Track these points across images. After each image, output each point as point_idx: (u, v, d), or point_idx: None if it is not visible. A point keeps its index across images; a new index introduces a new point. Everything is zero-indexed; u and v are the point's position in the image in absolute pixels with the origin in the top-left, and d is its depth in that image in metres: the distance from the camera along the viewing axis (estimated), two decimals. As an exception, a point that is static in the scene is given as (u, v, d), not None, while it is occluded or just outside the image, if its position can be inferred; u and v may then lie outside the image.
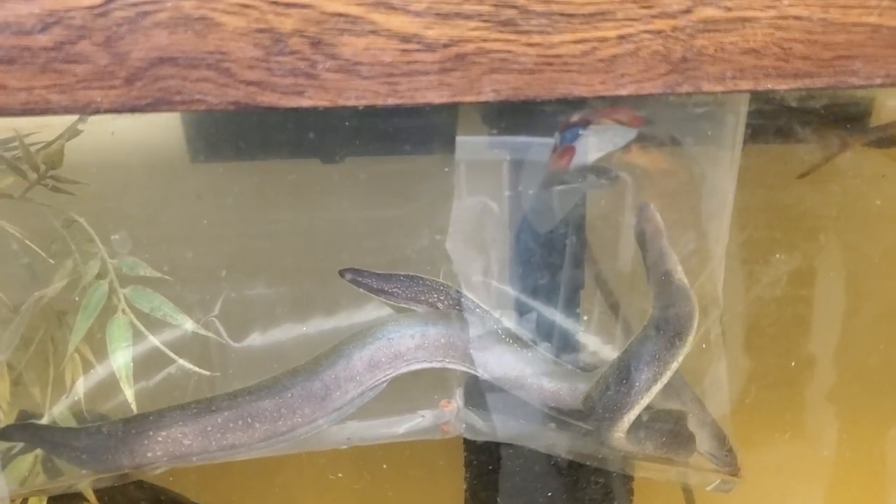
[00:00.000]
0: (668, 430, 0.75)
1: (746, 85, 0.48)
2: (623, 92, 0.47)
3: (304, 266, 0.80)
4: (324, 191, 0.80)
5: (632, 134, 0.76)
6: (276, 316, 0.77)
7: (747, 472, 0.76)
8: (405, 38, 0.44)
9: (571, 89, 0.46)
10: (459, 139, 0.77)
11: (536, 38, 0.45)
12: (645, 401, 0.69)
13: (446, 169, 0.78)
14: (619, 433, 0.70)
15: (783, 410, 0.85)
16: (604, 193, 0.80)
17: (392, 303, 0.77)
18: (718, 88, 0.48)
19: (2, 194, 0.72)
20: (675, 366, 0.69)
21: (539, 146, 0.79)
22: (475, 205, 0.79)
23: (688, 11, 0.46)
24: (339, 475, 0.90)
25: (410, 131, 0.79)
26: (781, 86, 0.48)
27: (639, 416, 0.70)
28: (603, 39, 0.46)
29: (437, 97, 0.45)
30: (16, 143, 0.70)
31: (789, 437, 0.84)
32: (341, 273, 0.76)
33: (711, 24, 0.46)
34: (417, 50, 0.44)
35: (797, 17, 0.47)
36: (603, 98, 0.46)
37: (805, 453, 0.90)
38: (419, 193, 0.80)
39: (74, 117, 0.70)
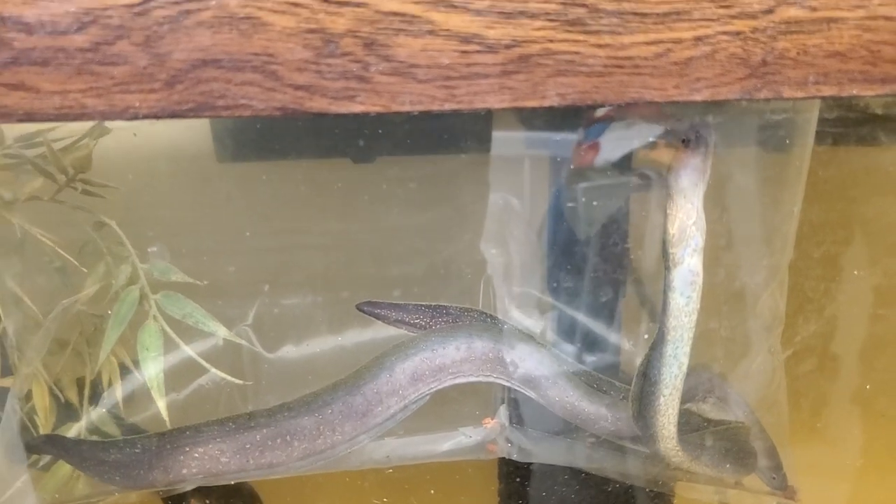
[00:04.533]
0: (728, 447, 0.72)
1: (830, 90, 0.44)
2: (697, 97, 0.43)
3: (336, 269, 0.78)
4: (355, 191, 0.78)
5: (657, 130, 0.73)
6: (307, 323, 0.75)
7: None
8: (465, 39, 0.41)
9: (642, 93, 0.43)
10: (496, 135, 0.74)
11: (606, 39, 0.42)
12: (669, 399, 0.65)
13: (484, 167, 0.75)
14: (670, 443, 0.66)
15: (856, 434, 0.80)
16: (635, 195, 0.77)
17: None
18: (799, 94, 0.44)
19: (31, 197, 0.70)
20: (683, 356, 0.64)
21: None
22: (512, 202, 0.76)
23: (769, 11, 0.42)
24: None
25: (443, 131, 0.76)
26: (868, 91, 0.44)
27: (699, 437, 0.67)
28: (678, 41, 0.42)
29: (497, 102, 0.42)
30: (39, 140, 0.68)
31: (861, 466, 0.80)
32: (358, 307, 0.73)
33: (795, 24, 0.43)
34: (478, 51, 0.41)
35: (887, 18, 0.44)
36: (675, 103, 0.43)
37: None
38: (452, 194, 0.77)
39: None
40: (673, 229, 0.59)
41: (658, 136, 0.73)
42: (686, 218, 0.59)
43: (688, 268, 0.60)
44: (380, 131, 0.75)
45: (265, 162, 0.78)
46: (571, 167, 0.76)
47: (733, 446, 0.72)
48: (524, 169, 0.77)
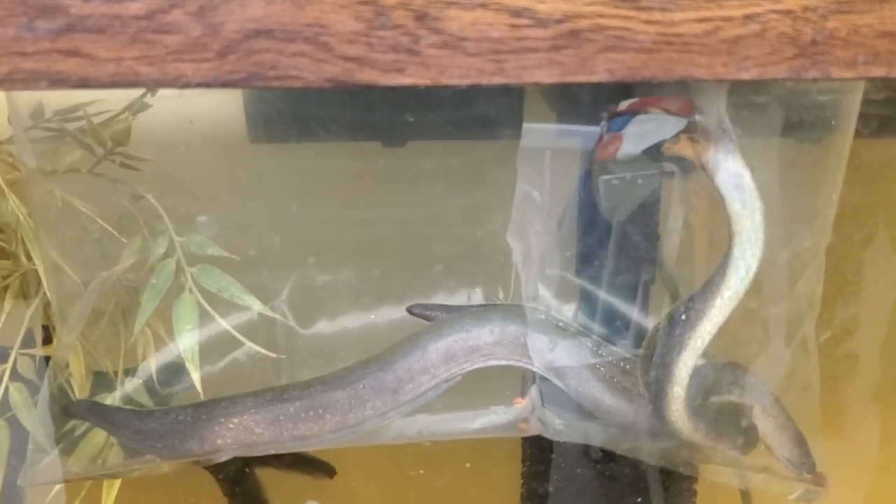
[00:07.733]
0: (727, 420, 0.72)
1: (879, 71, 0.44)
2: (745, 76, 0.43)
3: (367, 249, 0.78)
4: (385, 175, 0.78)
5: (681, 123, 0.72)
6: (340, 301, 0.75)
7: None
8: (516, 13, 0.41)
9: (691, 70, 0.43)
10: (526, 126, 0.74)
11: (657, 16, 0.42)
12: (682, 368, 0.64)
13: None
14: (677, 413, 0.66)
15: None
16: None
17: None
18: (848, 74, 0.44)
19: (70, 168, 0.70)
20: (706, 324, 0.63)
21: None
22: (538, 194, 0.76)
23: (821, -10, 0.42)
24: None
25: (475, 115, 0.76)
26: (918, 72, 0.44)
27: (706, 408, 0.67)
28: (728, 19, 0.42)
29: (545, 76, 0.42)
30: (78, 113, 0.69)
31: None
32: (409, 309, 0.74)
33: (846, 4, 0.43)
34: (528, 25, 0.41)
35: (941, -2, 0.43)
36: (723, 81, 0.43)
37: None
38: (483, 180, 0.77)
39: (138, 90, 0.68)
40: (700, 139, 0.57)
41: (683, 129, 0.73)
42: (708, 120, 0.57)
43: (727, 170, 0.57)
44: (411, 116, 0.75)
45: (296, 144, 0.79)
46: (593, 159, 0.76)
47: (738, 422, 0.72)
48: (554, 156, 0.77)
